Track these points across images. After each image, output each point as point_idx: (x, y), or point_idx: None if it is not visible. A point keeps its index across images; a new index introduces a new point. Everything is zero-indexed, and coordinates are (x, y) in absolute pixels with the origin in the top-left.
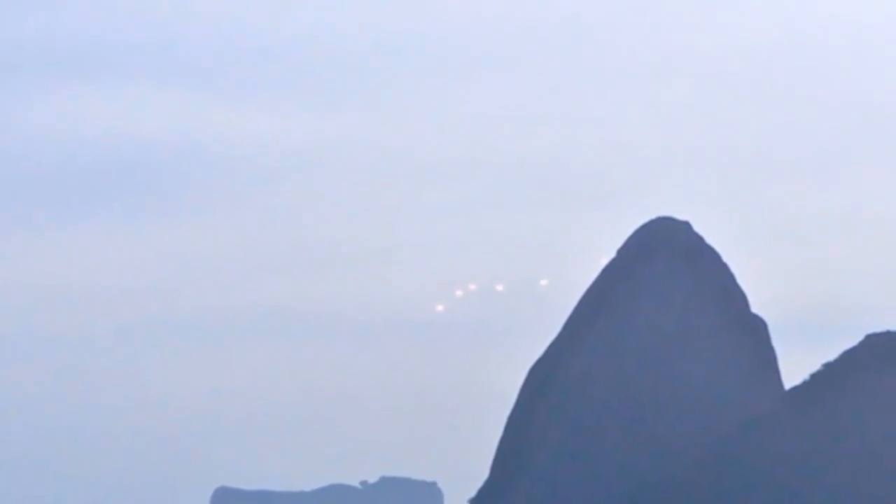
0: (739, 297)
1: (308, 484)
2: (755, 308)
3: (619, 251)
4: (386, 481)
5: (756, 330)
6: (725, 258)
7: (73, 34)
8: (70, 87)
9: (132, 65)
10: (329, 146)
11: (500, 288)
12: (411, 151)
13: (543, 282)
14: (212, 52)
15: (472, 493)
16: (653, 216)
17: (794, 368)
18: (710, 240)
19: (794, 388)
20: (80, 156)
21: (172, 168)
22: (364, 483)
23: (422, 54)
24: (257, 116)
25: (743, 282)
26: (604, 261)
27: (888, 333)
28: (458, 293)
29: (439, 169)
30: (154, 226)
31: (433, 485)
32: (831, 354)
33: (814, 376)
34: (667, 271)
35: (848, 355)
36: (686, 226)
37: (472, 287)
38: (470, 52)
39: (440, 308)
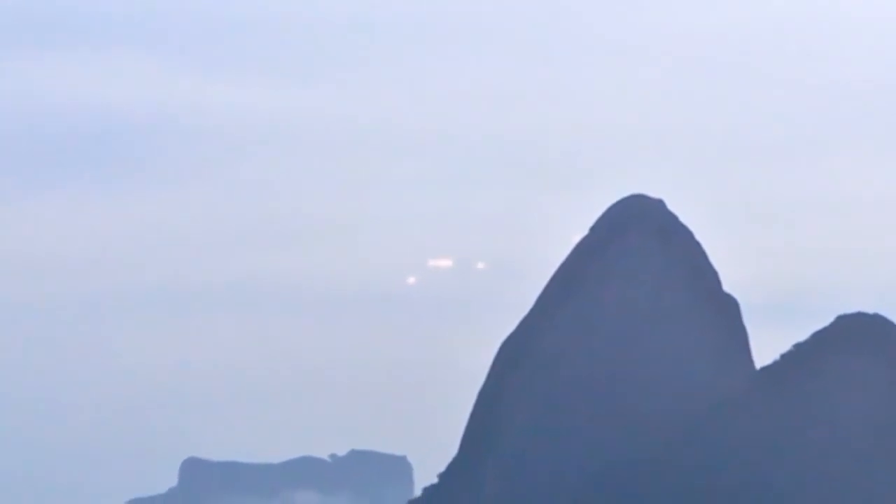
0: (711, 277)
1: (277, 456)
2: (727, 287)
3: (592, 228)
4: (355, 454)
5: (728, 309)
6: (698, 237)
7: (45, 2)
8: (40, 54)
9: (104, 33)
10: (300, 119)
11: (471, 263)
12: (383, 125)
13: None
14: (185, 23)
15: (442, 467)
16: (626, 194)
17: (765, 349)
18: (684, 219)
19: (765, 369)
20: (49, 124)
21: (142, 138)
22: (333, 456)
23: (396, 28)
24: (228, 88)
25: (715, 261)
26: (576, 238)
27: (859, 315)
28: (428, 267)
29: (412, 143)
30: (122, 196)
31: (402, 459)
32: (802, 335)
33: (784, 357)
34: (639, 249)
35: (819, 336)
36: (660, 204)
37: (443, 262)
38: (445, 27)
39: (412, 280)
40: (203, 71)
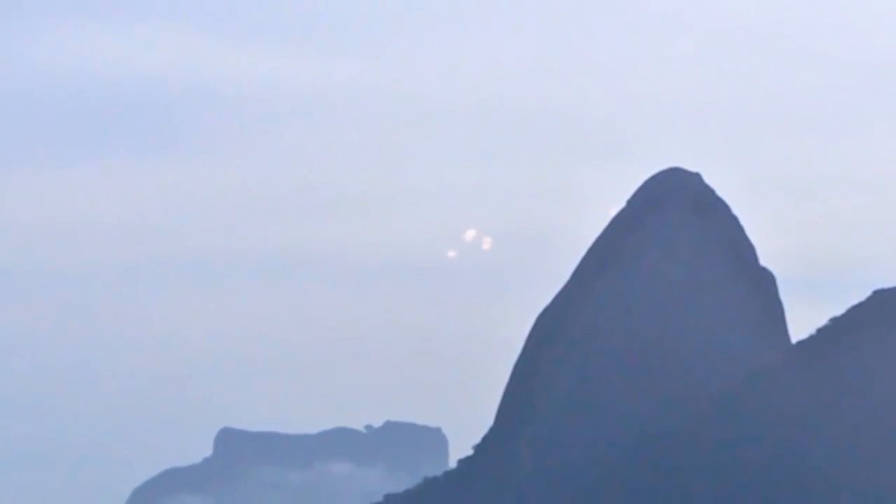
0: (748, 250)
1: (312, 427)
2: (763, 261)
3: (629, 201)
4: (390, 426)
5: (764, 283)
6: (735, 210)
7: None
8: (79, 24)
9: (142, 3)
10: (338, 89)
11: (507, 236)
12: (420, 97)
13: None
14: None
15: (477, 439)
16: (663, 167)
17: (801, 322)
18: (721, 192)
19: (801, 342)
20: (88, 94)
21: (180, 108)
22: (369, 427)
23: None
24: (266, 58)
25: (752, 235)
26: (613, 211)
27: (895, 289)
28: (464, 239)
29: (448, 115)
30: (160, 165)
31: (437, 430)
32: (839, 309)
33: (820, 331)
34: (676, 222)
35: (855, 311)
36: (697, 177)
37: (479, 235)
38: None
39: (452, 254)
40: (242, 42)
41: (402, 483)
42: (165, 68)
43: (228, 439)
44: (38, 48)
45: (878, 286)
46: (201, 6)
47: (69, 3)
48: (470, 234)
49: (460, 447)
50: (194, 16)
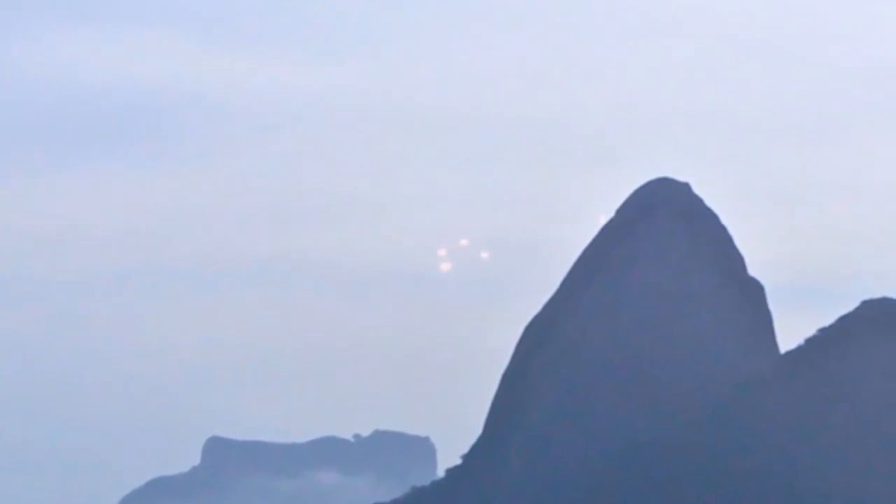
0: (737, 260)
1: (300, 436)
2: (752, 271)
3: (618, 210)
4: (379, 435)
5: (753, 293)
6: (724, 220)
7: None
8: (72, 30)
9: (135, 10)
10: (330, 96)
11: (497, 244)
12: (413, 104)
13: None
14: (215, 0)
15: (465, 449)
16: (653, 176)
17: (790, 332)
18: (710, 202)
19: (790, 353)
20: (81, 100)
21: (172, 115)
22: (357, 436)
23: (425, 6)
24: (259, 65)
25: (741, 244)
26: (602, 219)
27: (884, 300)
28: (454, 248)
29: (440, 122)
30: (152, 172)
31: (426, 440)
32: (827, 319)
33: (809, 341)
34: (665, 232)
35: (843, 321)
36: (685, 187)
37: (469, 243)
38: (474, 5)
39: (443, 263)
40: (234, 49)
41: (390, 492)
42: (158, 75)
43: (216, 448)
44: (29, 55)
45: (867, 296)
46: (194, 14)
47: (62, 9)
48: (461, 242)
49: (449, 456)
50: (186, 23)
